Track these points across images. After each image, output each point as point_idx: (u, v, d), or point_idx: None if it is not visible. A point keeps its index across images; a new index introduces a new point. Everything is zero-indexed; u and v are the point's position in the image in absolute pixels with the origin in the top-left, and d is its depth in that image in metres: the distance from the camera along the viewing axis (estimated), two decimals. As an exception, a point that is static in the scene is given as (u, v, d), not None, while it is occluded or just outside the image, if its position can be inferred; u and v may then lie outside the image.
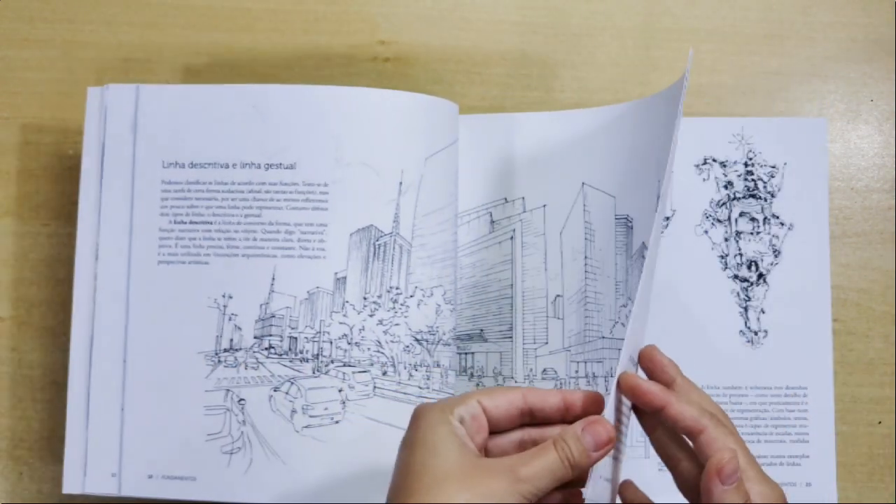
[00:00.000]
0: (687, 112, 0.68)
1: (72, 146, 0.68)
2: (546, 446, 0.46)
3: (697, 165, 0.65)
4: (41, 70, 0.69)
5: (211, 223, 0.63)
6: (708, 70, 0.69)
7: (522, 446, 0.49)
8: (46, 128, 0.69)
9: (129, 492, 0.61)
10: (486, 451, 0.48)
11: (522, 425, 0.49)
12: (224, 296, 0.62)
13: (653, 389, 0.48)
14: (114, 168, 0.63)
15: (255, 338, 0.62)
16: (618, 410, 0.48)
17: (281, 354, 0.62)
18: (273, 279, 0.62)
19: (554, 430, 0.49)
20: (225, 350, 0.62)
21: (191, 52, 0.69)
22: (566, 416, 0.49)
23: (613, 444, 0.46)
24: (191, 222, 0.63)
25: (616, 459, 0.49)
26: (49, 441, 0.66)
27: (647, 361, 0.50)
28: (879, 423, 0.66)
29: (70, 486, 0.62)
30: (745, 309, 0.64)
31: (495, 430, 0.49)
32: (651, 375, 0.50)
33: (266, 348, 0.62)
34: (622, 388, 0.48)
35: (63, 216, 0.67)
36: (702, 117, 0.67)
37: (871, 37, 0.69)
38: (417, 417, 0.47)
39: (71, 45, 0.69)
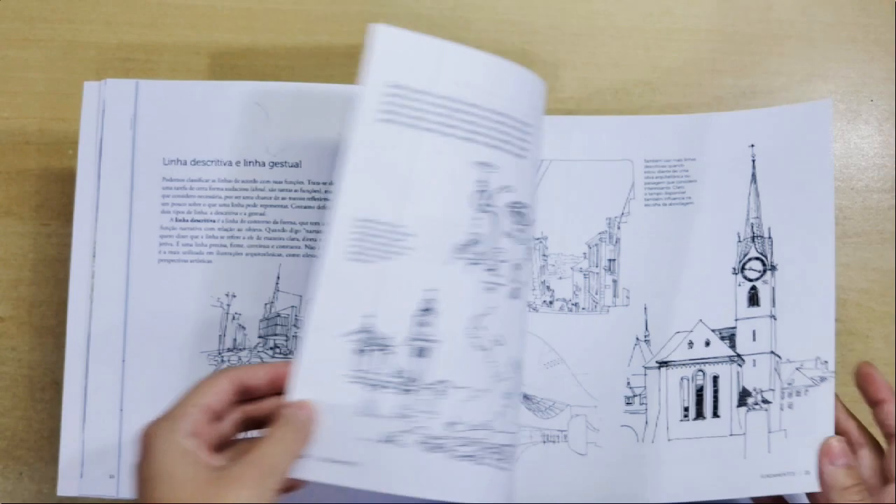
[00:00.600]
0: (687, 111, 0.68)
1: (71, 146, 0.68)
2: (275, 427, 0.48)
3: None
4: (41, 70, 0.69)
5: (214, 221, 0.63)
6: (708, 70, 0.69)
7: (241, 425, 0.51)
8: (46, 128, 0.69)
9: (127, 494, 0.61)
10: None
11: (241, 401, 0.51)
12: (227, 295, 0.62)
13: (882, 382, 0.57)
14: (112, 164, 0.63)
15: (260, 337, 0.62)
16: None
17: (286, 354, 0.62)
18: (278, 278, 0.62)
19: (269, 402, 0.51)
20: (228, 350, 0.62)
21: (191, 51, 0.69)
22: (276, 388, 0.51)
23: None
24: (192, 220, 0.63)
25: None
26: (49, 441, 0.66)
27: (862, 379, 0.58)
28: (880, 423, 0.66)
29: (65, 488, 0.61)
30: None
31: (217, 418, 0.50)
32: (865, 392, 0.58)
33: (271, 348, 0.62)
34: (860, 371, 0.58)
35: (63, 216, 0.67)
36: (704, 113, 0.67)
37: (871, 37, 0.69)
38: (148, 444, 0.47)
39: (71, 45, 0.69)
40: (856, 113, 0.69)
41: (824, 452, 0.56)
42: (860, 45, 0.69)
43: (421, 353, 0.54)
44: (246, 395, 0.51)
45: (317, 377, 0.51)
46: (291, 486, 0.51)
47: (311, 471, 0.51)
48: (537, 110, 0.59)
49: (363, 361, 0.53)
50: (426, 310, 0.54)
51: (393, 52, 0.55)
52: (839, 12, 0.69)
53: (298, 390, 0.51)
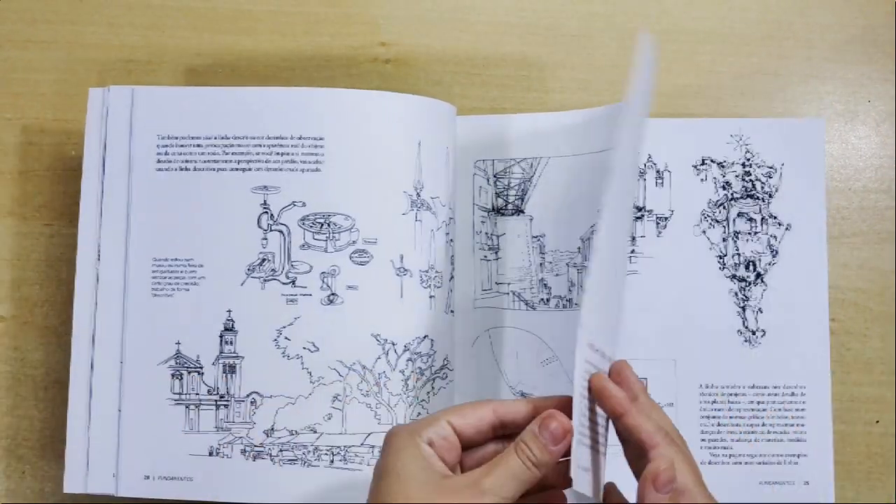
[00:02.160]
0: (685, 113, 0.68)
1: (74, 147, 0.68)
2: (507, 452, 0.47)
3: (695, 166, 0.65)
4: (43, 71, 0.69)
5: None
6: (706, 71, 0.69)
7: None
8: (48, 128, 0.69)
9: (126, 492, 0.62)
10: (461, 468, 0.49)
11: (497, 437, 0.50)
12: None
13: (617, 395, 0.49)
14: (114, 169, 0.64)
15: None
16: (591, 401, 0.49)
17: None
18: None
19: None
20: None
21: (192, 53, 0.69)
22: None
23: (571, 435, 0.46)
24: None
25: (596, 451, 0.49)
26: (51, 440, 0.66)
27: (616, 375, 0.51)
28: (877, 422, 0.66)
29: (71, 485, 0.62)
30: (743, 309, 0.64)
31: (469, 445, 0.49)
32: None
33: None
34: (591, 387, 0.49)
35: (65, 216, 0.68)
36: (700, 118, 0.67)
37: (869, 38, 0.69)
38: (387, 443, 0.48)
39: (73, 46, 0.70)
40: (853, 114, 0.69)
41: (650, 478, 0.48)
42: (858, 47, 0.69)
43: (229, 370, 0.61)
44: (506, 430, 0.50)
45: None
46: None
47: (150, 489, 0.60)
48: (330, 125, 0.63)
49: (180, 384, 0.62)
50: (228, 329, 0.62)
51: (157, 109, 0.64)
52: (837, 14, 0.69)
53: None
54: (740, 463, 0.63)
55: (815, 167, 0.65)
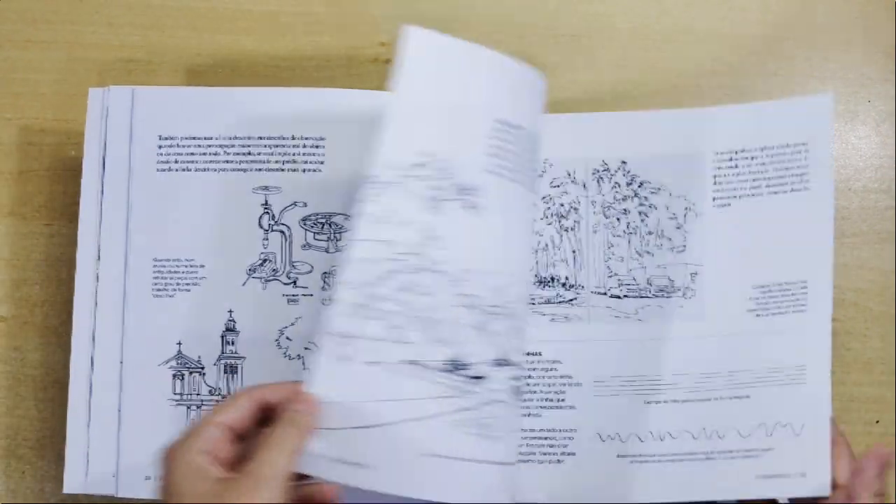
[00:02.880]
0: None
1: (74, 147, 0.68)
2: (267, 431, 0.49)
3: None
4: (43, 71, 0.69)
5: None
6: (706, 71, 0.69)
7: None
8: (48, 128, 0.69)
9: (126, 493, 0.62)
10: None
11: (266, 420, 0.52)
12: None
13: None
14: (114, 170, 0.64)
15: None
16: None
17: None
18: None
19: None
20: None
21: (192, 53, 0.69)
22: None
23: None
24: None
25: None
26: (51, 440, 0.66)
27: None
28: (877, 422, 0.66)
29: (71, 485, 0.62)
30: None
31: (246, 435, 0.51)
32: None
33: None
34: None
35: (65, 216, 0.68)
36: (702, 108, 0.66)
37: (870, 38, 0.69)
38: (164, 463, 0.49)
39: (73, 46, 0.70)
40: (854, 114, 0.69)
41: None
42: (858, 47, 0.69)
43: (230, 370, 0.62)
44: (270, 414, 0.51)
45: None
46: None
47: (150, 489, 0.61)
48: (331, 125, 0.63)
49: (182, 385, 0.62)
50: (229, 330, 0.62)
51: (157, 109, 0.63)
52: (837, 14, 0.69)
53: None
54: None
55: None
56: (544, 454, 0.62)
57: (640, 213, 0.63)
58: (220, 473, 0.48)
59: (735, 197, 0.62)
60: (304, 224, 0.63)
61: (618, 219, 0.63)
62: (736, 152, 0.62)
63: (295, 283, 0.62)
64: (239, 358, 0.62)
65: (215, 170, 0.63)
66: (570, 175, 0.64)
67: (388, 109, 0.55)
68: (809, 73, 0.69)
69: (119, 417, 0.62)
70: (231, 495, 0.46)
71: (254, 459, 0.48)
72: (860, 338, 0.67)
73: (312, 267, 0.62)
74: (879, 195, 0.68)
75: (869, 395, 0.66)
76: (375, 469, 0.52)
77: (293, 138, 0.63)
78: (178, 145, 0.63)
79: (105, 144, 0.64)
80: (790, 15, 0.69)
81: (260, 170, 0.63)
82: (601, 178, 0.64)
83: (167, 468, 0.49)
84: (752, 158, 0.62)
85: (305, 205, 0.63)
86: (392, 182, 0.54)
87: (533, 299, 0.63)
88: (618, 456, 0.61)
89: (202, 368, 0.62)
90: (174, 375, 0.62)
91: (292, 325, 0.62)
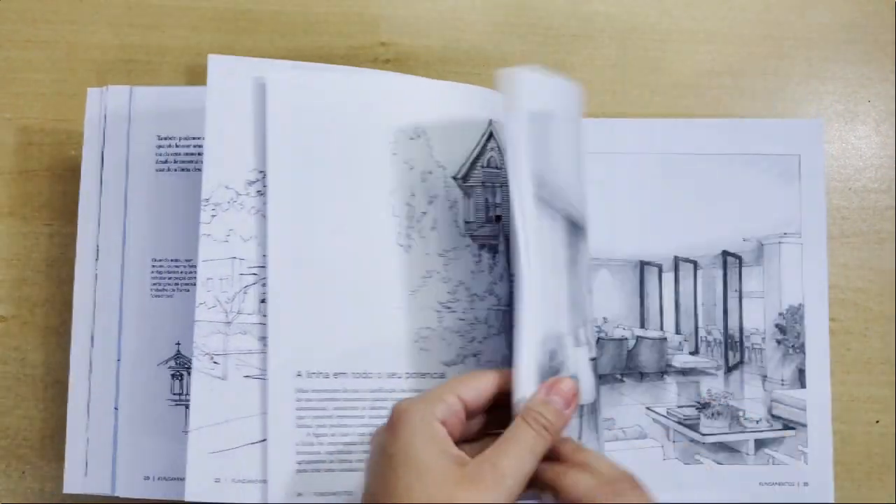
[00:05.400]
0: (685, 114, 0.68)
1: (73, 147, 0.68)
2: (515, 427, 0.46)
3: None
4: (43, 71, 0.69)
5: None
6: (706, 71, 0.69)
7: (485, 427, 0.50)
8: (48, 128, 0.69)
9: (125, 492, 0.62)
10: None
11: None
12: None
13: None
14: (113, 169, 0.64)
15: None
16: None
17: None
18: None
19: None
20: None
21: (193, 52, 0.69)
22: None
23: (578, 397, 0.47)
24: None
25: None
26: (51, 440, 0.66)
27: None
28: (877, 422, 0.66)
29: (71, 486, 0.62)
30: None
31: (470, 416, 0.48)
32: None
33: None
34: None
35: (65, 216, 0.68)
36: (699, 118, 0.67)
37: (869, 38, 0.69)
38: (397, 422, 0.46)
39: (73, 46, 0.70)
40: (853, 114, 0.69)
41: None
42: (858, 47, 0.69)
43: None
44: (502, 400, 0.49)
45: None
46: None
47: (149, 489, 0.60)
48: None
49: (180, 385, 0.62)
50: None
51: (156, 109, 0.64)
52: (837, 14, 0.69)
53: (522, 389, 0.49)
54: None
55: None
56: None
57: None
58: (456, 450, 0.45)
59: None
60: None
61: None
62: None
63: None
64: None
65: None
66: None
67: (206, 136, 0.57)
68: (809, 73, 0.69)
69: (117, 417, 0.62)
70: (475, 484, 0.43)
71: (494, 450, 0.45)
72: (860, 338, 0.66)
73: None
74: (879, 195, 0.68)
75: (869, 395, 0.66)
76: (260, 483, 0.54)
77: None
78: (175, 145, 0.63)
79: (103, 144, 0.64)
80: (790, 15, 0.69)
81: None
82: None
83: (400, 426, 0.45)
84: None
85: None
86: (227, 202, 0.57)
87: None
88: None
89: None
90: (173, 375, 0.62)
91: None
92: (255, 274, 0.57)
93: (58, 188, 0.68)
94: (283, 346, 0.55)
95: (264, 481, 0.53)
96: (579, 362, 0.53)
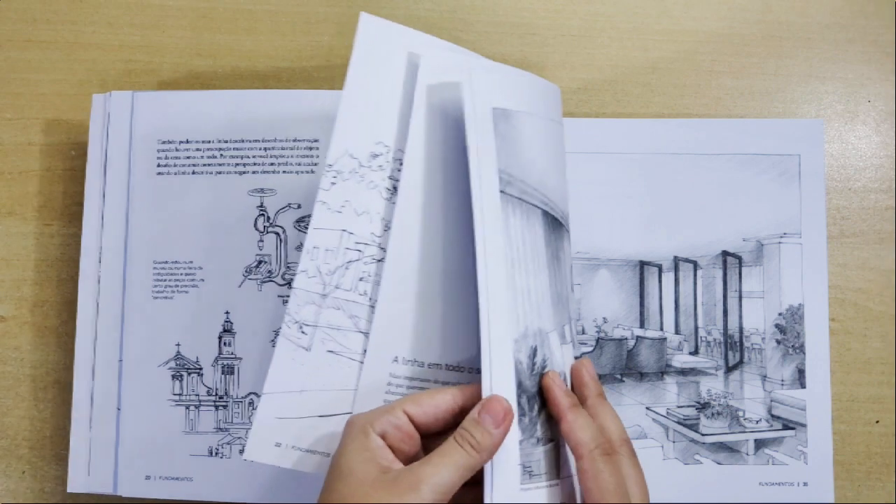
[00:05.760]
0: (685, 114, 0.68)
1: (74, 147, 0.68)
2: (448, 442, 0.47)
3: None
4: (43, 71, 0.69)
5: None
6: (706, 71, 0.69)
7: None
8: (49, 128, 0.69)
9: (127, 492, 0.62)
10: (424, 454, 0.49)
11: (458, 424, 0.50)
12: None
13: (559, 401, 0.50)
14: (115, 173, 0.64)
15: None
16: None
17: None
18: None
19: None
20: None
21: (192, 53, 0.69)
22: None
23: (512, 416, 0.48)
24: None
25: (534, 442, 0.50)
26: (52, 440, 0.66)
27: (574, 375, 0.53)
28: (877, 422, 0.66)
29: (74, 485, 0.62)
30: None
31: (429, 432, 0.50)
32: (573, 388, 0.53)
33: None
34: (541, 385, 0.51)
35: (66, 216, 0.68)
36: (700, 118, 0.67)
37: (869, 38, 0.69)
38: (343, 432, 0.49)
39: (73, 46, 0.70)
40: (853, 114, 0.69)
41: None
42: (858, 47, 0.69)
43: (227, 371, 0.62)
44: (461, 419, 0.50)
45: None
46: None
47: (150, 489, 0.61)
48: (324, 127, 0.63)
49: (180, 385, 0.62)
50: (226, 331, 0.62)
51: (156, 113, 0.64)
52: (837, 14, 0.69)
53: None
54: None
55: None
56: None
57: None
58: (388, 461, 0.47)
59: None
60: (299, 226, 0.63)
61: None
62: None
63: (290, 284, 0.62)
64: (236, 359, 0.62)
65: (212, 173, 0.63)
66: None
67: (342, 99, 0.54)
68: (809, 73, 0.69)
69: (118, 417, 0.62)
70: (389, 487, 0.45)
71: (422, 461, 0.47)
72: (860, 338, 0.66)
73: None
74: (879, 195, 0.68)
75: (869, 395, 0.66)
76: (320, 455, 0.53)
77: (287, 140, 0.63)
78: (176, 149, 0.64)
79: (106, 149, 0.64)
80: (790, 15, 0.69)
81: (255, 172, 0.63)
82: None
83: (343, 440, 0.48)
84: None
85: (300, 206, 0.63)
86: (348, 172, 0.54)
87: None
88: None
89: (200, 369, 0.62)
90: (173, 376, 0.63)
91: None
92: (359, 251, 0.55)
93: (58, 188, 0.68)
94: (387, 329, 0.54)
95: (327, 455, 0.53)
96: (566, 359, 0.53)
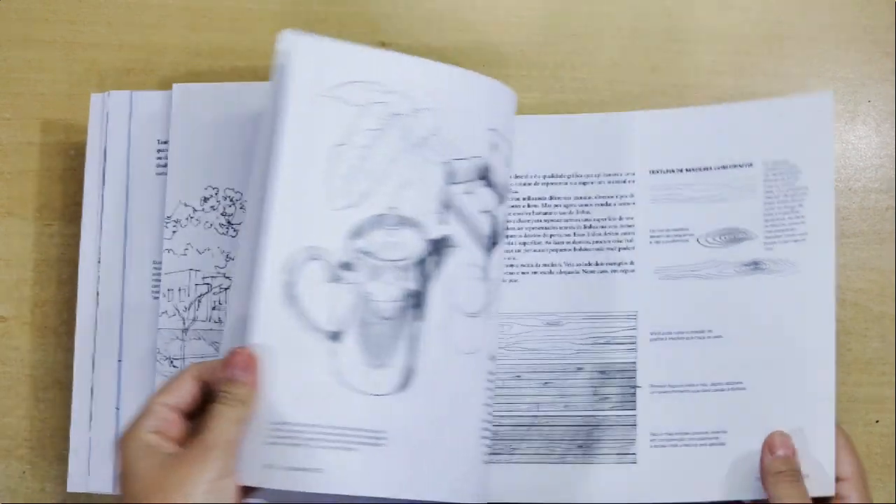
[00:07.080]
0: (685, 113, 0.68)
1: (73, 146, 0.68)
2: (213, 405, 0.49)
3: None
4: (42, 71, 0.69)
5: None
6: (706, 71, 0.69)
7: None
8: (48, 128, 0.69)
9: None
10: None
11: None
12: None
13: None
14: (114, 173, 0.64)
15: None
16: None
17: None
18: None
19: None
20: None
21: (192, 52, 0.69)
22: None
23: (257, 360, 0.51)
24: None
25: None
26: (52, 440, 0.66)
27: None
28: (877, 422, 0.66)
29: (74, 484, 0.62)
30: None
31: (195, 411, 0.51)
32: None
33: None
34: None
35: (65, 217, 0.68)
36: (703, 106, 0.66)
37: (870, 38, 0.69)
38: (118, 447, 0.50)
39: (72, 45, 0.70)
40: (854, 114, 0.69)
41: (767, 445, 0.58)
42: (858, 46, 0.69)
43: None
44: (215, 389, 0.52)
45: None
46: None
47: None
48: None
49: None
50: None
51: (155, 113, 0.64)
52: (838, 13, 0.69)
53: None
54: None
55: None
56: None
57: None
58: (170, 449, 0.49)
59: None
60: None
61: None
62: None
63: None
64: None
65: None
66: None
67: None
68: (809, 73, 0.69)
69: (118, 417, 0.62)
70: (181, 466, 0.47)
71: (201, 431, 0.49)
72: (860, 338, 0.66)
73: None
74: (879, 195, 0.68)
75: (869, 395, 0.66)
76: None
77: None
78: None
79: (105, 149, 0.64)
80: (790, 15, 0.69)
81: None
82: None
83: (121, 453, 0.49)
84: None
85: None
86: (185, 219, 0.62)
87: None
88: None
89: None
90: None
91: None
92: (207, 284, 0.62)
93: (58, 188, 0.68)
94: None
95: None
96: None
